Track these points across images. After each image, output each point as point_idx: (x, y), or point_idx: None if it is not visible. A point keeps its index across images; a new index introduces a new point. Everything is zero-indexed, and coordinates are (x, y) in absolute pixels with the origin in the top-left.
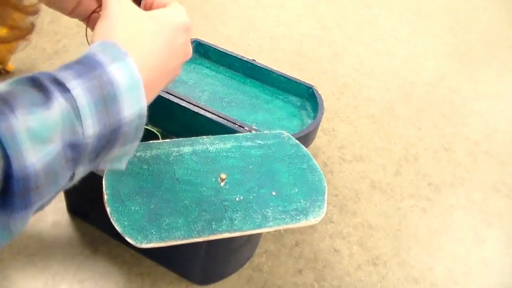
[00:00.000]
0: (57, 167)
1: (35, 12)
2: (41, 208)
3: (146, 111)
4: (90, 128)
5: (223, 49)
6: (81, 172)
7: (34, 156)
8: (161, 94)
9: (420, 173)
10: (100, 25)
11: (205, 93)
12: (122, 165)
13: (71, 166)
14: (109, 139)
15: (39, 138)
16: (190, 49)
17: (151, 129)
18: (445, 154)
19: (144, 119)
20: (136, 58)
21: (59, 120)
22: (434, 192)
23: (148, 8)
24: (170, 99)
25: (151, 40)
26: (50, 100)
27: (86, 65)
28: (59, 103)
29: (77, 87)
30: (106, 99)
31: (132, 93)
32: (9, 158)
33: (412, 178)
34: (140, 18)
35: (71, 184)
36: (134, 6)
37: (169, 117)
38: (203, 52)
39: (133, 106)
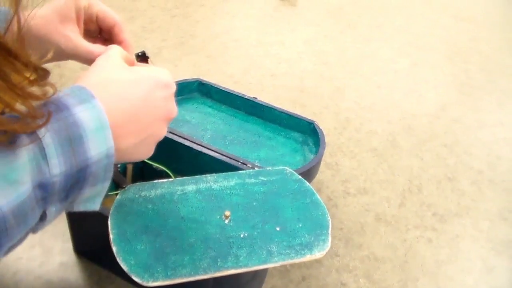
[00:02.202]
0: (26, 208)
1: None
2: (11, 248)
3: (113, 151)
4: (56, 167)
5: (225, 88)
6: (53, 212)
7: (3, 199)
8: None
9: (425, 203)
10: (85, 72)
11: (208, 131)
12: (96, 206)
13: (41, 206)
14: (77, 178)
15: (7, 181)
16: (173, 107)
17: (164, 169)
18: (449, 184)
19: (112, 159)
20: (105, 101)
21: (27, 162)
22: (440, 222)
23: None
24: (174, 139)
25: (124, 87)
26: (16, 142)
27: (53, 107)
28: (25, 144)
29: (43, 128)
30: (72, 139)
31: (99, 134)
32: None
33: (417, 209)
34: (118, 68)
35: (44, 225)
36: (119, 59)
37: (173, 156)
38: (206, 91)
39: (100, 146)
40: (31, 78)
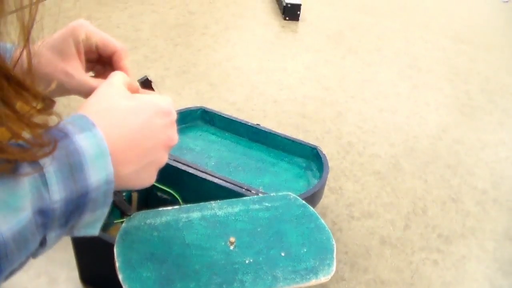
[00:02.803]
0: (27, 234)
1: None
2: (12, 273)
3: (113, 177)
4: (57, 193)
5: (227, 115)
6: (53, 237)
7: (4, 225)
8: (168, 162)
9: (430, 225)
10: (87, 99)
11: (212, 159)
12: (96, 231)
13: (41, 231)
14: (77, 204)
15: (9, 207)
16: (173, 135)
17: (173, 193)
18: (453, 205)
19: (112, 185)
20: (105, 129)
21: (28, 189)
22: (445, 243)
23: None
24: (178, 167)
25: (124, 115)
26: (19, 171)
27: (55, 135)
28: (28, 173)
29: (49, 157)
30: (72, 166)
31: (99, 161)
32: None
33: (422, 231)
34: (119, 96)
35: (44, 250)
36: (121, 87)
37: (178, 184)
38: (209, 119)
39: (100, 173)
40: (38, 107)
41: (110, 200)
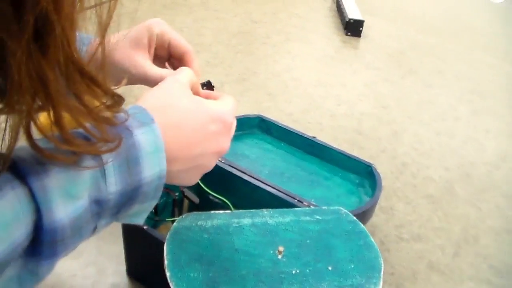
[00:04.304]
0: (82, 222)
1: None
2: (64, 256)
3: (165, 173)
4: (113, 185)
5: (284, 125)
6: (103, 225)
7: (63, 211)
8: (223, 167)
9: (481, 255)
10: (150, 90)
11: (266, 167)
12: (141, 220)
13: (95, 220)
14: (130, 196)
15: (69, 195)
16: (224, 143)
17: (225, 200)
18: (507, 237)
19: (163, 180)
20: (162, 126)
21: (87, 179)
22: (496, 275)
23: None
24: (233, 172)
25: (181, 116)
26: (82, 162)
27: (120, 132)
28: (89, 165)
29: (112, 153)
30: (129, 159)
31: (154, 156)
32: (40, 212)
33: (472, 260)
34: (182, 96)
35: (92, 235)
36: (185, 84)
37: (231, 189)
38: (266, 128)
39: (154, 168)
40: (108, 103)
41: (159, 194)
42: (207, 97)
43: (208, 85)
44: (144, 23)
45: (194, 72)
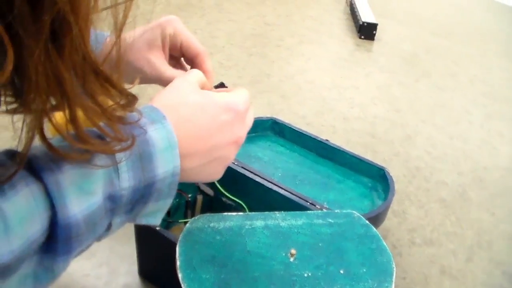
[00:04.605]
0: (96, 218)
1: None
2: (79, 253)
3: (179, 170)
4: (126, 181)
5: (298, 128)
6: (118, 223)
7: (77, 207)
8: (236, 169)
9: (494, 261)
10: (160, 92)
11: (279, 170)
12: (157, 220)
13: (109, 216)
14: (143, 193)
15: (83, 191)
16: (240, 131)
17: (239, 202)
18: None
19: (177, 178)
20: (174, 123)
21: (100, 175)
22: (509, 282)
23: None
24: (245, 174)
25: (193, 110)
26: (95, 160)
27: (134, 131)
28: (103, 163)
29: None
30: (142, 156)
31: (167, 153)
32: (55, 208)
33: (485, 265)
34: (190, 92)
35: (107, 235)
36: (194, 84)
37: (243, 191)
38: (279, 130)
39: (167, 165)
40: (122, 103)
41: (174, 192)
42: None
43: (221, 87)
44: (158, 21)
45: (207, 74)
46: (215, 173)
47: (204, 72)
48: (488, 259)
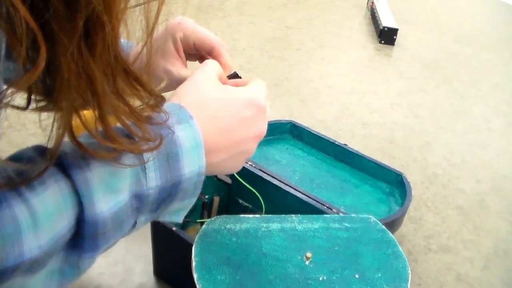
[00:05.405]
0: (123, 216)
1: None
2: (105, 250)
3: (204, 169)
4: (153, 180)
5: (316, 132)
6: (142, 221)
7: (104, 205)
8: (254, 171)
9: (511, 269)
10: (181, 87)
11: (297, 173)
12: (180, 218)
13: (135, 215)
14: (170, 192)
15: (111, 189)
16: (262, 125)
17: (257, 194)
18: None
19: (203, 177)
20: (200, 121)
21: (128, 173)
22: None
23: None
24: (263, 177)
25: (215, 108)
26: (122, 159)
27: (161, 132)
28: (130, 163)
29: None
30: (169, 156)
31: (193, 153)
32: (83, 205)
33: (502, 274)
34: (213, 88)
35: (131, 232)
36: (214, 78)
37: (261, 193)
38: (297, 133)
39: (193, 165)
40: (150, 103)
41: (199, 191)
42: (236, 86)
43: (234, 76)
44: (166, 26)
45: (225, 65)
46: (237, 166)
47: (221, 64)
48: (505, 268)
